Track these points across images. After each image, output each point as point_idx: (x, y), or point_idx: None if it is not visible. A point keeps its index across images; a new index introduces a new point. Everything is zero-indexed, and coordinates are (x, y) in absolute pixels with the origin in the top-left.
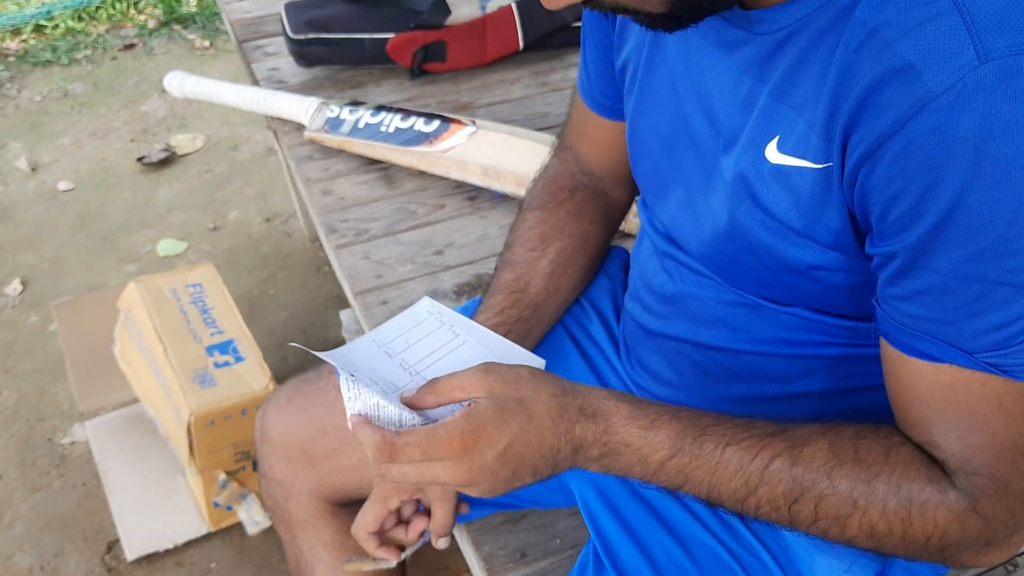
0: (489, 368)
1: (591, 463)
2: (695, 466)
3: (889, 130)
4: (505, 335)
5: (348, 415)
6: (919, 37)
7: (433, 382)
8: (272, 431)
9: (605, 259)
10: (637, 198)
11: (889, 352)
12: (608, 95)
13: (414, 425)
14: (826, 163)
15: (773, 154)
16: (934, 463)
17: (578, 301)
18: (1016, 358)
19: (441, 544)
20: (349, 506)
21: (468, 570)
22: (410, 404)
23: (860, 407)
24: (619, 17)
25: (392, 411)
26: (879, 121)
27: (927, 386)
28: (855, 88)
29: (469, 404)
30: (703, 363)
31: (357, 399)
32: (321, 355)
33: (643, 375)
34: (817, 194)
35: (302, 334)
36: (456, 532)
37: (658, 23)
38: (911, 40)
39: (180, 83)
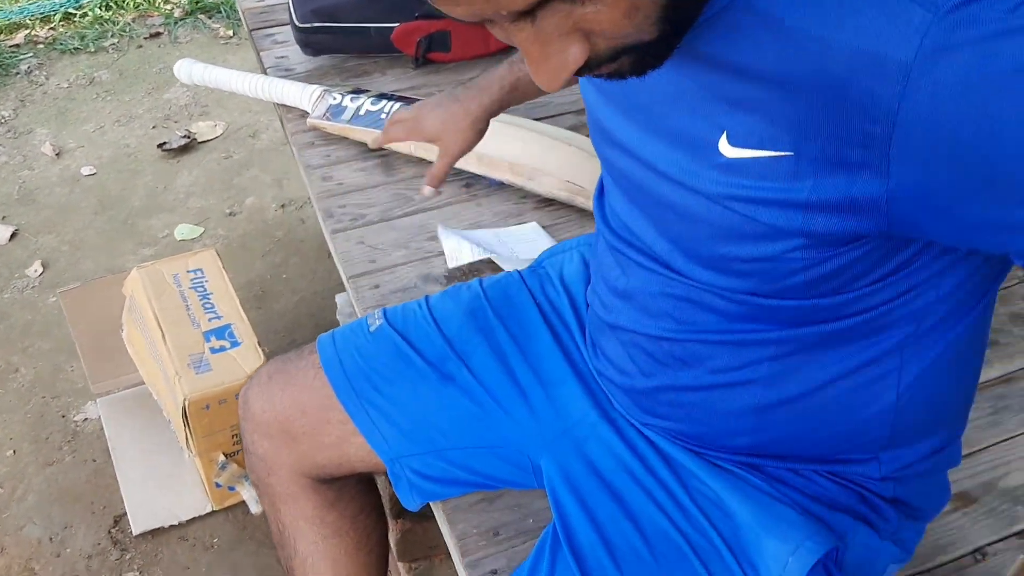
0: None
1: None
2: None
3: (889, 126)
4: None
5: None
6: (864, 21)
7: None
8: (253, 408)
9: None
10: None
11: None
12: None
13: None
14: (784, 151)
15: (726, 147)
16: None
17: (552, 283)
18: None
19: (426, 192)
20: (329, 482)
21: None
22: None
23: (806, 403)
24: None
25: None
26: (877, 124)
27: None
28: (820, 90)
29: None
30: (655, 352)
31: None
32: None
33: (605, 363)
34: (780, 179)
35: (311, 318)
36: (433, 508)
37: (649, 53)
38: (856, 27)
39: (189, 70)
